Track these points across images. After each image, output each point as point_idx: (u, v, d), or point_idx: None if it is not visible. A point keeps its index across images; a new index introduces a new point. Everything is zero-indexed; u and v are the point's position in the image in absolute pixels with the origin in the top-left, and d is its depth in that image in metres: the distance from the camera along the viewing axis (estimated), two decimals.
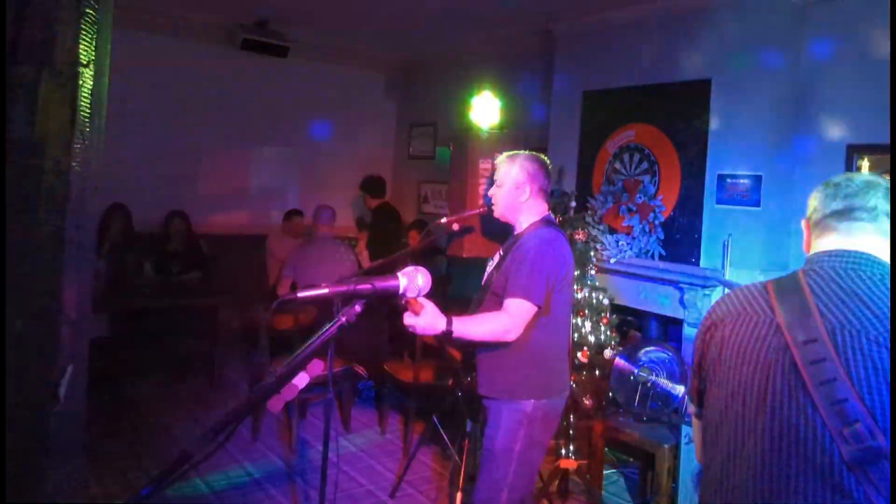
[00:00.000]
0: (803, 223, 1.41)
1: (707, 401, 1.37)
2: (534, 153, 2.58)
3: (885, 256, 1.27)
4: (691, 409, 1.51)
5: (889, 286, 1.20)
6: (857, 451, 1.09)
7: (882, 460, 1.08)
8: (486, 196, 2.67)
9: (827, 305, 1.19)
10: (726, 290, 3.99)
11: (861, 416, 1.09)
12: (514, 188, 2.47)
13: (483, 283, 2.56)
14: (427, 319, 1.93)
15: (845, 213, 1.30)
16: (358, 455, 4.10)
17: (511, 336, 2.23)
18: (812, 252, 1.35)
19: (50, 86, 1.02)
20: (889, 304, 1.16)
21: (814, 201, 1.38)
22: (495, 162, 2.61)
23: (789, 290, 1.27)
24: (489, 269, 2.56)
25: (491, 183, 2.63)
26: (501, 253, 2.52)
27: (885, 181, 1.34)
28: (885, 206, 1.29)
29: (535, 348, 2.35)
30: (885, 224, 1.28)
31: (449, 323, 1.99)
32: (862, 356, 1.13)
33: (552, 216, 2.59)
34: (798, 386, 1.16)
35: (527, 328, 2.30)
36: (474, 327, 2.18)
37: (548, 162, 2.58)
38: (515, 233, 2.52)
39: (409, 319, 1.92)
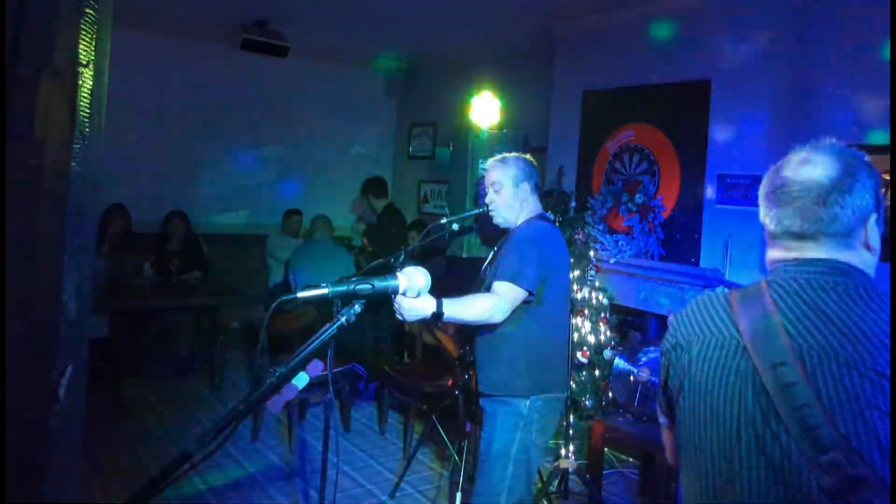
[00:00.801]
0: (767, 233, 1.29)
1: (679, 422, 1.28)
2: (519, 154, 2.62)
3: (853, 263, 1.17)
4: (662, 419, 1.42)
5: (854, 297, 1.11)
6: (835, 481, 1.02)
7: (862, 487, 1.01)
8: (482, 204, 2.68)
9: (793, 323, 1.11)
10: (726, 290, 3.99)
11: (837, 444, 1.02)
12: (515, 188, 2.50)
13: (479, 279, 2.57)
14: (415, 301, 1.85)
15: None
16: (358, 455, 4.10)
17: (497, 317, 2.25)
18: (774, 260, 1.25)
19: (50, 86, 1.02)
20: (859, 318, 1.08)
21: None
22: (486, 167, 2.63)
23: (752, 305, 1.18)
24: (485, 265, 2.58)
25: (483, 191, 2.64)
26: (496, 249, 2.55)
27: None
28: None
29: (528, 341, 2.36)
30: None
31: (439, 305, 1.99)
32: (833, 381, 1.05)
33: (546, 213, 2.61)
34: (770, 412, 1.09)
35: (519, 319, 2.32)
36: (462, 308, 2.18)
37: (534, 163, 2.63)
38: (511, 230, 2.54)
39: (397, 302, 1.88)
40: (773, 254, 1.24)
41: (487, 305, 2.24)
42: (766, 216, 1.23)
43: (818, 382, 1.05)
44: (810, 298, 1.13)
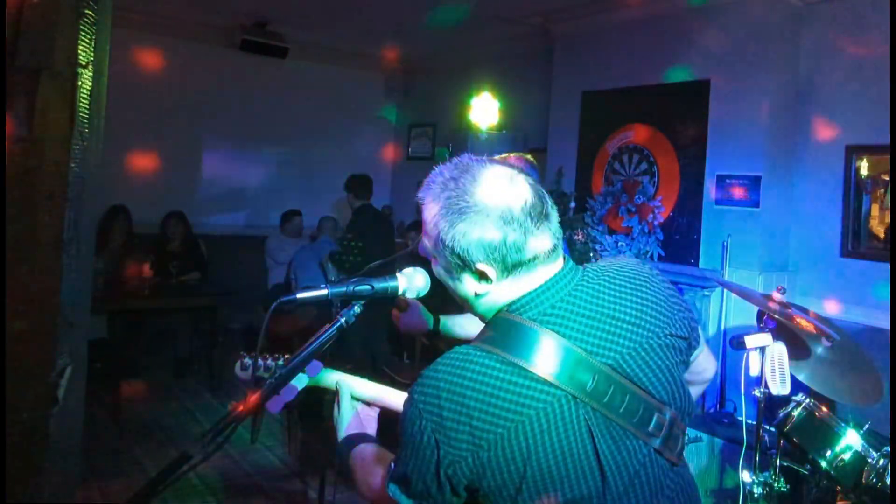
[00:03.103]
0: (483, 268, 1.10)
1: None
2: (520, 154, 2.56)
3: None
4: None
5: None
6: None
7: None
8: None
9: None
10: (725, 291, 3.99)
11: None
12: None
13: None
14: (412, 317, 1.95)
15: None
16: None
17: None
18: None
19: (49, 86, 1.02)
20: None
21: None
22: None
23: None
24: None
25: None
26: None
27: None
28: None
29: None
30: None
31: (436, 323, 2.02)
32: None
33: None
34: None
35: None
36: (460, 328, 2.18)
37: (534, 162, 2.54)
38: None
39: (395, 314, 1.96)
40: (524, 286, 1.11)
41: None
42: (525, 241, 1.07)
43: None
44: None
